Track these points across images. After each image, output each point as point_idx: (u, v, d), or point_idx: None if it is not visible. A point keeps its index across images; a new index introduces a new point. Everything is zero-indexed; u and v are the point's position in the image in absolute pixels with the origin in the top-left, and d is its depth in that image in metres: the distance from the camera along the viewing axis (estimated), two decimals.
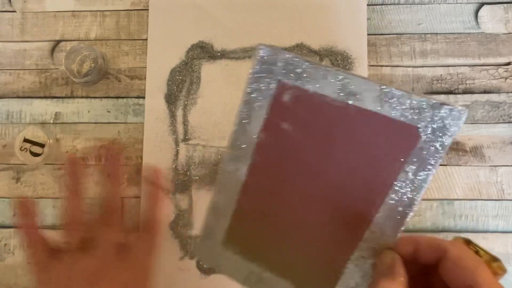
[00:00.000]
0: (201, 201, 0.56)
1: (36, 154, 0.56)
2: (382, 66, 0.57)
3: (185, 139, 0.57)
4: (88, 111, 0.58)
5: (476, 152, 0.55)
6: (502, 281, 0.54)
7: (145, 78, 0.58)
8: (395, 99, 0.27)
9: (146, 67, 0.59)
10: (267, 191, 0.33)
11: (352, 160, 0.29)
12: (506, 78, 0.57)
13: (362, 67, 0.57)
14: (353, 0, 0.58)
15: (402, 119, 0.27)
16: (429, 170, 0.27)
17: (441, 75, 0.57)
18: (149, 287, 0.33)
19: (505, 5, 0.57)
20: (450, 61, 0.57)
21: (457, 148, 0.56)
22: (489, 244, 0.54)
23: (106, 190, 0.38)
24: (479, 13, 0.57)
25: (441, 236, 0.54)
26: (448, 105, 0.26)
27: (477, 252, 0.27)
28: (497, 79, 0.57)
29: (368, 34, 0.58)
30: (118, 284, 0.31)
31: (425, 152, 0.27)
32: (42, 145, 0.56)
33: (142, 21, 0.60)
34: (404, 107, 0.27)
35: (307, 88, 0.29)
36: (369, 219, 0.29)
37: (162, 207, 0.37)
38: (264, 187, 0.33)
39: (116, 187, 0.38)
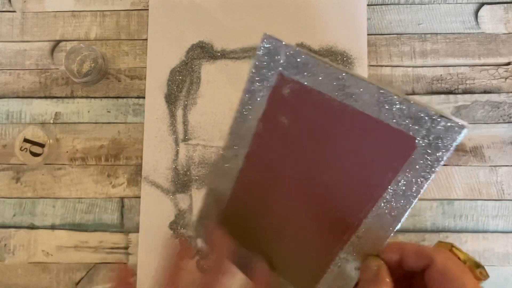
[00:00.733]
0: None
1: (36, 154, 0.56)
2: (382, 66, 0.57)
3: (185, 139, 0.57)
4: (88, 111, 0.58)
5: (476, 152, 0.55)
6: (503, 281, 0.54)
7: (145, 78, 0.58)
8: (393, 105, 0.26)
9: (146, 67, 0.59)
10: (261, 181, 0.33)
11: (345, 162, 0.29)
12: (506, 78, 0.57)
13: (362, 67, 0.57)
14: (353, 0, 0.58)
15: (399, 127, 0.26)
16: (422, 182, 0.26)
17: (441, 75, 0.57)
18: None
19: (505, 5, 0.57)
20: (450, 61, 0.57)
21: (457, 148, 0.55)
22: (489, 244, 0.54)
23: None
24: (479, 13, 0.57)
25: (440, 236, 0.54)
26: (448, 118, 0.24)
27: (459, 259, 0.27)
28: (497, 79, 0.57)
29: (368, 34, 0.58)
30: None
31: (419, 164, 0.26)
32: (42, 145, 0.56)
33: (142, 21, 0.60)
34: (402, 114, 0.26)
35: (306, 83, 0.29)
36: (356, 223, 0.29)
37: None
38: (258, 177, 0.33)
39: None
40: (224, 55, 0.58)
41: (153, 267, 0.54)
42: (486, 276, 0.27)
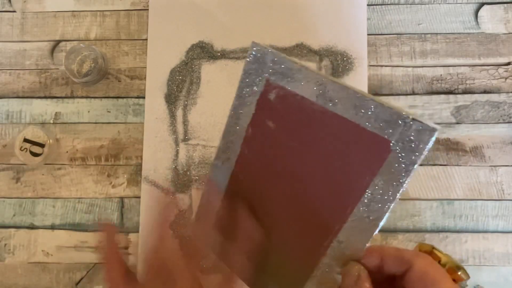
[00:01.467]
0: None
1: (36, 154, 0.56)
2: (382, 66, 0.57)
3: (185, 139, 0.57)
4: (88, 111, 0.58)
5: (476, 152, 0.55)
6: (503, 281, 0.54)
7: (145, 78, 0.58)
8: (369, 109, 0.26)
9: (146, 67, 0.59)
10: (250, 185, 0.34)
11: (325, 165, 0.29)
12: (506, 78, 0.57)
13: (362, 67, 0.57)
14: (353, 0, 0.58)
15: (374, 130, 0.26)
16: (398, 186, 0.26)
17: (441, 75, 0.57)
18: None
19: (505, 5, 0.57)
20: (450, 61, 0.57)
21: (457, 148, 0.56)
22: (489, 244, 0.54)
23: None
24: (479, 13, 0.57)
25: (440, 236, 0.54)
26: (420, 122, 0.25)
27: (440, 261, 0.27)
28: (497, 79, 0.57)
29: (368, 34, 0.58)
30: None
31: (394, 167, 0.26)
32: (42, 145, 0.56)
33: (142, 21, 0.60)
34: (377, 118, 0.26)
35: (290, 88, 0.30)
36: (336, 228, 0.29)
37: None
38: (248, 180, 0.34)
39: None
40: (224, 55, 0.58)
41: None
42: (466, 277, 0.27)
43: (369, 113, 0.26)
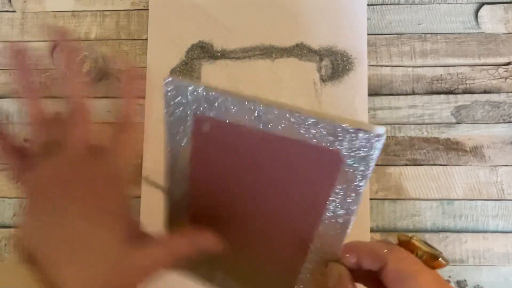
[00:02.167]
0: None
1: None
2: (382, 66, 0.57)
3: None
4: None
5: (476, 152, 0.55)
6: (503, 281, 0.54)
7: (145, 78, 0.58)
8: (310, 126, 0.26)
9: (146, 67, 0.59)
10: (211, 217, 0.33)
11: (284, 184, 0.29)
12: (506, 78, 0.57)
13: (362, 67, 0.57)
14: (353, 0, 0.58)
15: (322, 144, 0.26)
16: (357, 191, 0.27)
17: (441, 75, 0.57)
18: (125, 192, 0.30)
19: (505, 5, 0.57)
20: (450, 61, 0.57)
21: (457, 148, 0.56)
22: (489, 244, 0.54)
23: (67, 87, 0.33)
24: (479, 13, 0.57)
25: (440, 236, 0.54)
26: (364, 130, 0.25)
27: (417, 253, 0.28)
28: (497, 79, 0.57)
29: (368, 34, 0.58)
30: (90, 189, 0.27)
31: (350, 175, 0.26)
32: None
33: (142, 21, 0.60)
34: (321, 133, 0.26)
35: (222, 118, 0.28)
36: (310, 236, 0.30)
37: (135, 105, 0.33)
38: (208, 213, 0.33)
39: (76, 82, 0.33)
40: (224, 55, 0.58)
41: None
42: (446, 262, 0.28)
43: (311, 130, 0.26)
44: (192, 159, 0.31)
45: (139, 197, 0.56)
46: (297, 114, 0.26)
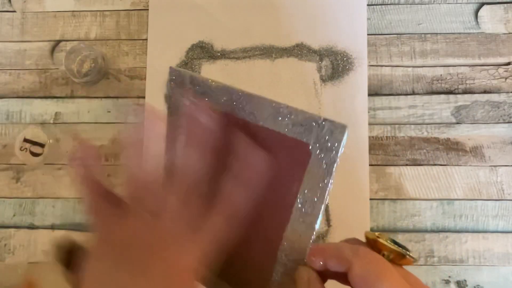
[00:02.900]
0: None
1: (36, 154, 0.56)
2: (382, 66, 0.57)
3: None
4: (88, 111, 0.58)
5: (476, 152, 0.55)
6: (503, 281, 0.54)
7: (145, 78, 0.58)
8: (285, 116, 0.28)
9: (146, 67, 0.59)
10: None
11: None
12: (506, 78, 0.57)
13: (362, 67, 0.57)
14: (353, 0, 0.58)
15: (294, 135, 0.28)
16: (323, 187, 0.27)
17: (441, 75, 0.57)
18: (208, 268, 0.29)
19: (505, 5, 0.57)
20: (450, 61, 0.57)
21: (457, 148, 0.56)
22: (489, 244, 0.54)
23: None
24: (479, 13, 0.57)
25: (440, 236, 0.54)
26: (330, 121, 0.26)
27: (384, 253, 0.27)
28: (497, 79, 0.57)
29: (368, 34, 0.58)
30: (184, 257, 0.28)
31: (317, 169, 0.27)
32: (42, 145, 0.56)
33: (142, 21, 0.60)
34: (294, 123, 0.28)
35: (214, 105, 0.31)
36: (279, 236, 0.30)
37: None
38: None
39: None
40: (224, 55, 0.58)
41: None
42: (414, 260, 0.28)
43: (286, 119, 0.28)
44: (184, 143, 0.33)
45: None
46: (275, 104, 0.28)
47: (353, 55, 0.57)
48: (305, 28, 0.58)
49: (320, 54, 0.57)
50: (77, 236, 0.56)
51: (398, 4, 0.58)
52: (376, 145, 0.56)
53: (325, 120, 0.26)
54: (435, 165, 0.55)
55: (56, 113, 0.59)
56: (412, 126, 0.56)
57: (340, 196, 0.54)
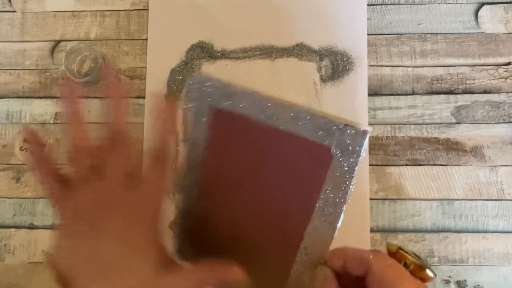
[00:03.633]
0: None
1: None
2: (382, 66, 0.57)
3: (185, 139, 0.57)
4: (88, 111, 0.58)
5: (476, 152, 0.55)
6: (503, 281, 0.54)
7: (145, 78, 0.58)
8: (305, 120, 0.29)
9: (146, 67, 0.59)
10: (216, 207, 0.35)
11: (280, 179, 0.31)
12: (506, 78, 0.57)
13: (362, 67, 0.57)
14: (353, 0, 0.58)
15: (315, 139, 0.29)
16: (345, 188, 0.28)
17: (441, 75, 0.57)
18: (159, 220, 0.32)
19: (505, 5, 0.57)
20: (450, 61, 0.57)
21: (457, 148, 0.56)
22: (489, 244, 0.54)
23: (111, 116, 0.35)
24: (479, 13, 0.57)
25: (440, 236, 0.54)
26: (351, 126, 0.27)
27: (405, 263, 0.28)
28: (497, 79, 0.57)
29: (368, 34, 0.58)
30: (127, 214, 0.30)
31: (338, 171, 0.28)
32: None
33: (142, 21, 0.60)
34: (314, 127, 0.28)
35: (236, 111, 0.31)
36: (299, 236, 0.31)
37: (170, 135, 0.35)
38: (213, 203, 0.35)
39: (121, 112, 0.35)
40: (224, 55, 0.58)
41: None
42: (434, 275, 0.28)
43: (306, 123, 0.29)
44: (207, 147, 0.34)
45: None
46: (296, 108, 0.29)
47: (353, 55, 0.57)
48: (305, 28, 0.58)
49: (320, 54, 0.57)
50: None
51: (398, 4, 0.58)
52: (376, 145, 0.56)
53: (346, 125, 0.27)
54: (435, 165, 0.55)
55: (56, 113, 0.59)
56: (412, 126, 0.56)
57: None
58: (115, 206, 0.30)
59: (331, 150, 0.28)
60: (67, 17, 0.60)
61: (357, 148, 0.27)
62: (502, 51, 0.57)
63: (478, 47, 0.57)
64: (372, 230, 0.54)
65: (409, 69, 0.57)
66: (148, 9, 0.60)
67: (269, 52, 0.58)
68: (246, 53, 0.58)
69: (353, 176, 0.28)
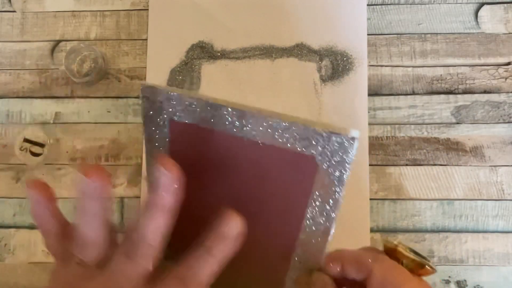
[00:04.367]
0: None
1: (36, 154, 0.56)
2: (382, 66, 0.57)
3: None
4: (88, 111, 0.58)
5: (476, 152, 0.55)
6: (503, 281, 0.54)
7: (145, 78, 0.58)
8: (284, 131, 0.26)
9: (146, 67, 0.59)
10: (191, 223, 0.31)
11: (262, 191, 0.29)
12: (506, 78, 0.57)
13: (362, 67, 0.57)
14: (353, 0, 0.58)
15: (297, 150, 0.26)
16: (336, 196, 0.27)
17: (441, 75, 0.57)
18: None
19: (505, 5, 0.57)
20: (450, 61, 0.57)
21: (457, 148, 0.56)
22: (489, 244, 0.54)
23: (146, 226, 0.27)
24: (479, 13, 0.57)
25: (440, 236, 0.54)
26: (337, 134, 0.24)
27: (403, 262, 0.27)
28: (497, 79, 0.57)
29: (368, 34, 0.58)
30: None
31: (327, 180, 0.26)
32: (42, 145, 0.56)
33: (142, 21, 0.60)
34: (296, 137, 0.26)
35: (198, 124, 0.28)
36: (292, 245, 0.29)
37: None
38: (186, 220, 0.31)
39: (156, 226, 0.28)
40: (224, 55, 0.58)
41: None
42: (433, 271, 0.28)
43: (286, 134, 0.26)
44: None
45: (139, 197, 0.56)
46: (270, 119, 0.26)
47: (353, 55, 0.57)
48: (305, 28, 0.58)
49: (320, 54, 0.57)
50: None
51: (398, 4, 0.58)
52: (376, 145, 0.56)
53: (331, 133, 0.25)
54: (435, 165, 0.55)
55: (56, 113, 0.59)
56: (412, 126, 0.56)
57: None
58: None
59: (316, 160, 0.26)
60: (67, 17, 0.60)
61: (345, 156, 0.25)
62: (502, 51, 0.57)
63: (478, 47, 0.57)
64: (372, 230, 0.54)
65: (409, 69, 0.57)
66: (148, 9, 0.60)
67: (269, 52, 0.58)
68: (246, 53, 0.58)
69: (343, 184, 0.26)
